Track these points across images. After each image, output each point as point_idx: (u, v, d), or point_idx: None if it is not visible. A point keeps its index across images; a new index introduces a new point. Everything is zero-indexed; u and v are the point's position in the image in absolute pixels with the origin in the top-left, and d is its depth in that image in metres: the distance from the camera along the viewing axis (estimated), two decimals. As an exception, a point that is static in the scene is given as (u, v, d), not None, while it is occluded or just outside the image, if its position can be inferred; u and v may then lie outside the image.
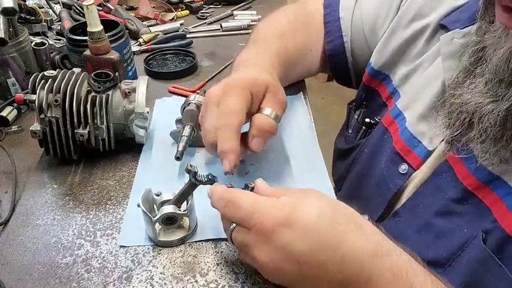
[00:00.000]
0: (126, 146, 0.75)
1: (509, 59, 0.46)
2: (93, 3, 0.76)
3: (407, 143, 0.64)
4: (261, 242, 0.47)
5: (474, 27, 0.55)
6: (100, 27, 0.78)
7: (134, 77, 0.94)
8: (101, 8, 1.24)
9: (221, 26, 1.22)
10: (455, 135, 0.54)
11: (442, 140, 0.58)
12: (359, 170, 0.76)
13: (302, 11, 0.88)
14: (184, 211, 0.58)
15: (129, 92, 0.71)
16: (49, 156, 0.72)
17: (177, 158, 0.67)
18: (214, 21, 1.27)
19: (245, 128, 0.63)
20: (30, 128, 0.68)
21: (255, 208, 0.48)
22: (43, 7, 1.29)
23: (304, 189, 0.51)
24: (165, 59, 1.07)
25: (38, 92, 0.67)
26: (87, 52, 0.81)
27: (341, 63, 0.85)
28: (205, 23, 1.27)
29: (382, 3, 0.78)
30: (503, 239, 0.48)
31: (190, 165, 0.56)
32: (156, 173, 0.71)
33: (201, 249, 0.59)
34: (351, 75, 0.87)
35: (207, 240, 0.60)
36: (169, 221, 0.58)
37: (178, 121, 0.74)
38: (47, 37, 1.09)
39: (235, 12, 1.33)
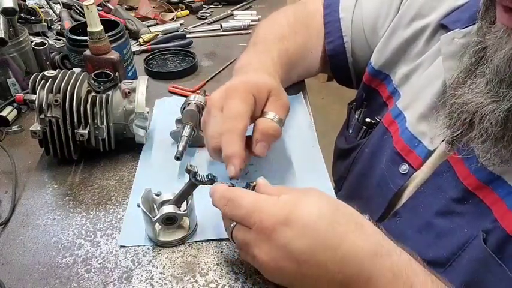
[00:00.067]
0: (126, 146, 0.75)
1: (510, 59, 0.46)
2: (93, 3, 0.76)
3: (407, 143, 0.64)
4: (261, 241, 0.47)
5: (475, 27, 0.55)
6: (100, 27, 0.78)
7: (134, 77, 0.94)
8: (101, 8, 1.24)
9: (221, 26, 1.22)
10: (456, 135, 0.54)
11: (443, 140, 0.58)
12: (359, 169, 0.76)
13: (302, 12, 0.88)
14: (184, 211, 0.58)
15: (129, 92, 0.71)
16: (49, 156, 0.72)
17: (177, 158, 0.67)
18: (214, 21, 1.27)
19: (248, 132, 0.63)
20: (30, 128, 0.68)
21: (256, 207, 0.48)
22: (43, 7, 1.29)
23: (305, 188, 0.51)
24: (165, 59, 1.07)
25: (38, 92, 0.67)
26: (87, 52, 0.81)
27: (341, 64, 0.85)
28: (205, 23, 1.27)
29: (383, 3, 0.78)
30: (503, 238, 0.48)
31: (190, 165, 0.55)
32: (156, 173, 0.71)
33: (201, 249, 0.59)
34: (351, 75, 0.87)
35: (207, 240, 0.60)
36: (169, 221, 0.58)
37: (178, 121, 0.74)
38: (47, 37, 1.09)
39: (235, 12, 1.33)
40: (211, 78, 0.99)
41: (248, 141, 0.62)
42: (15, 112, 0.85)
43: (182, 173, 0.69)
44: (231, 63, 1.04)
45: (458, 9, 0.65)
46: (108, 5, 1.25)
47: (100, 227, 0.62)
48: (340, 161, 0.85)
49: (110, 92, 0.69)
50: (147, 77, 0.79)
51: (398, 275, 0.44)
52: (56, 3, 1.27)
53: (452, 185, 0.55)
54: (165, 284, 0.54)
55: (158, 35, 1.18)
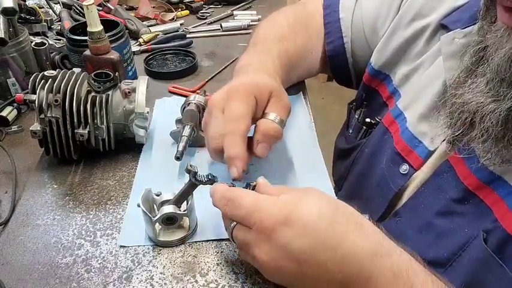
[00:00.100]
0: (126, 146, 0.75)
1: (510, 58, 0.46)
2: (93, 3, 0.76)
3: (408, 143, 0.64)
4: (261, 241, 0.47)
5: (475, 27, 0.54)
6: (100, 27, 0.78)
7: (134, 77, 0.94)
8: (101, 8, 1.24)
9: (221, 26, 1.22)
10: (456, 135, 0.54)
11: (444, 140, 0.58)
12: (359, 170, 0.76)
13: (302, 12, 0.88)
14: (184, 211, 0.58)
15: (129, 92, 0.71)
16: (49, 156, 0.72)
17: (177, 158, 0.67)
18: (214, 21, 1.27)
19: (248, 133, 0.63)
20: (30, 128, 0.68)
21: (256, 207, 0.48)
22: (43, 7, 1.29)
23: (305, 188, 0.51)
24: (165, 59, 1.07)
25: (38, 92, 0.67)
26: (87, 52, 0.81)
27: (341, 64, 0.85)
28: (205, 23, 1.27)
29: (383, 3, 0.78)
30: (504, 238, 0.48)
31: (190, 165, 0.55)
32: (156, 173, 0.71)
33: (201, 249, 0.59)
34: (351, 75, 0.87)
35: (207, 240, 0.60)
36: (169, 221, 0.58)
37: (178, 121, 0.74)
38: (47, 37, 1.09)
39: (235, 12, 1.33)
40: (211, 78, 0.99)
41: (249, 142, 0.62)
42: (15, 112, 0.85)
43: (182, 173, 0.69)
44: (231, 63, 1.04)
45: (459, 9, 0.65)
46: (108, 5, 1.25)
47: (100, 227, 0.62)
48: (340, 161, 0.85)
49: (110, 92, 0.69)
50: (147, 77, 0.79)
51: (399, 274, 0.44)
52: (56, 3, 1.27)
53: (453, 185, 0.55)
54: (165, 284, 0.54)
55: (158, 35, 1.18)
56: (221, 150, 0.60)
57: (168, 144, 0.76)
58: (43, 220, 0.63)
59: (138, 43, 1.14)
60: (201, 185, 0.56)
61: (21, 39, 0.88)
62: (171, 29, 1.21)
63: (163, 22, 1.26)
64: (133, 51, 1.03)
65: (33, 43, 0.93)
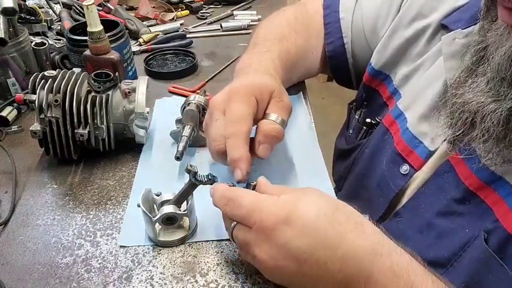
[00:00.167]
0: (126, 146, 0.75)
1: (511, 57, 0.45)
2: (93, 3, 0.76)
3: (408, 143, 0.64)
4: (261, 240, 0.47)
5: (476, 27, 0.54)
6: (100, 27, 0.78)
7: (134, 77, 0.94)
8: (101, 8, 1.24)
9: (221, 26, 1.22)
10: (457, 135, 0.54)
11: (444, 140, 0.58)
12: (360, 170, 0.76)
13: (302, 12, 0.88)
14: (184, 211, 0.58)
15: (129, 92, 0.71)
16: (49, 156, 0.72)
17: (177, 158, 0.67)
18: (214, 21, 1.27)
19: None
20: (30, 128, 0.68)
21: (256, 206, 0.48)
22: (43, 7, 1.29)
23: (305, 187, 0.51)
24: (165, 59, 1.07)
25: (38, 92, 0.67)
26: (87, 52, 0.81)
27: (341, 64, 0.85)
28: (205, 23, 1.27)
29: (383, 3, 0.78)
30: (505, 238, 0.48)
31: (190, 165, 0.55)
32: (156, 173, 0.71)
33: (201, 249, 0.59)
34: (351, 76, 0.87)
35: (207, 241, 0.59)
36: (169, 221, 0.58)
37: (178, 121, 0.74)
38: (47, 37, 1.09)
39: (235, 12, 1.33)
40: (211, 78, 0.99)
41: (250, 143, 0.61)
42: (15, 112, 0.85)
43: (182, 173, 0.69)
44: (231, 63, 1.04)
45: (459, 10, 0.65)
46: (108, 5, 1.25)
47: (100, 227, 0.62)
48: (340, 161, 0.85)
49: (110, 92, 0.69)
50: (147, 77, 0.79)
51: (399, 274, 0.44)
52: (56, 3, 1.27)
53: (453, 185, 0.55)
54: (165, 284, 0.54)
55: (158, 35, 1.18)
56: (223, 152, 0.60)
57: (168, 144, 0.76)
58: (43, 220, 0.63)
59: (138, 43, 1.14)
60: (201, 185, 0.56)
61: (21, 39, 0.88)
62: (171, 29, 1.21)
63: (163, 22, 1.26)
64: (133, 51, 1.03)
65: (33, 43, 0.93)
